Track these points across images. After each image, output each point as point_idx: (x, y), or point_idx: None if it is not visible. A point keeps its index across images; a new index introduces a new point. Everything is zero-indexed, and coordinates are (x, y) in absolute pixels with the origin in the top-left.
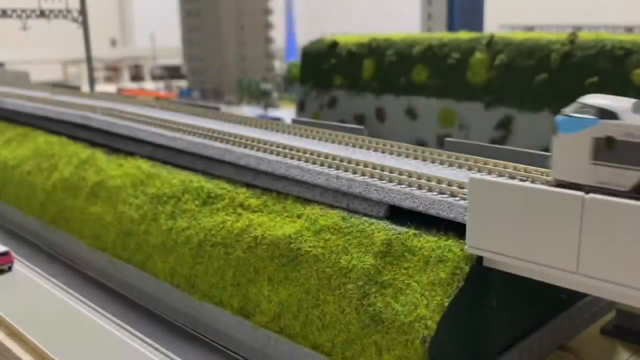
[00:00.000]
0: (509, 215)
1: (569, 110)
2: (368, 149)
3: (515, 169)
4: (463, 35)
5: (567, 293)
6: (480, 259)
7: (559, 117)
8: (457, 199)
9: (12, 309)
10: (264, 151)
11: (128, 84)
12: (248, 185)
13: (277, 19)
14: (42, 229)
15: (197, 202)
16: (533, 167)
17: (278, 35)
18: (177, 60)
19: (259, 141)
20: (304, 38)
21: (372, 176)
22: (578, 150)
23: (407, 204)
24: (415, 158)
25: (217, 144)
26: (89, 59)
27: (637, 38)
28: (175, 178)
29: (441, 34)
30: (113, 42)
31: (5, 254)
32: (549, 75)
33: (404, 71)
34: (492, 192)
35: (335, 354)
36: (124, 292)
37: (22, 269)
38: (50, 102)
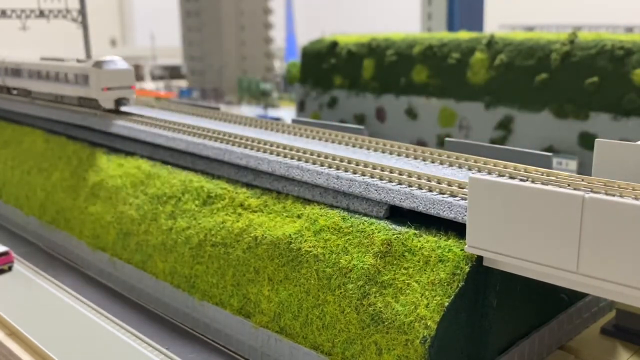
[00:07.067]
0: (509, 215)
1: None
2: (368, 149)
3: (515, 168)
4: (463, 35)
5: (567, 293)
6: (480, 259)
7: None
8: (457, 198)
9: (12, 309)
10: (264, 151)
11: None
12: (248, 186)
13: (277, 19)
14: (42, 228)
15: (197, 202)
16: (533, 167)
17: (278, 35)
18: (177, 60)
19: (259, 141)
20: (304, 38)
21: (372, 176)
22: None
23: (407, 204)
24: (415, 158)
25: (217, 144)
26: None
27: (637, 38)
28: (175, 178)
29: (441, 34)
30: (113, 42)
31: (5, 254)
32: (549, 75)
33: (404, 71)
34: (492, 192)
35: (335, 354)
36: (124, 292)
37: (22, 269)
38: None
